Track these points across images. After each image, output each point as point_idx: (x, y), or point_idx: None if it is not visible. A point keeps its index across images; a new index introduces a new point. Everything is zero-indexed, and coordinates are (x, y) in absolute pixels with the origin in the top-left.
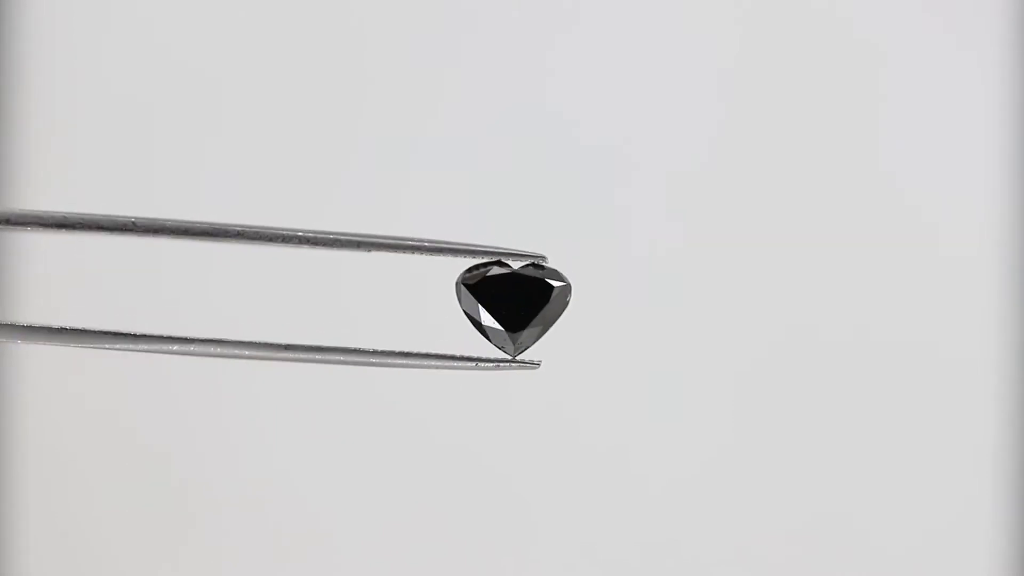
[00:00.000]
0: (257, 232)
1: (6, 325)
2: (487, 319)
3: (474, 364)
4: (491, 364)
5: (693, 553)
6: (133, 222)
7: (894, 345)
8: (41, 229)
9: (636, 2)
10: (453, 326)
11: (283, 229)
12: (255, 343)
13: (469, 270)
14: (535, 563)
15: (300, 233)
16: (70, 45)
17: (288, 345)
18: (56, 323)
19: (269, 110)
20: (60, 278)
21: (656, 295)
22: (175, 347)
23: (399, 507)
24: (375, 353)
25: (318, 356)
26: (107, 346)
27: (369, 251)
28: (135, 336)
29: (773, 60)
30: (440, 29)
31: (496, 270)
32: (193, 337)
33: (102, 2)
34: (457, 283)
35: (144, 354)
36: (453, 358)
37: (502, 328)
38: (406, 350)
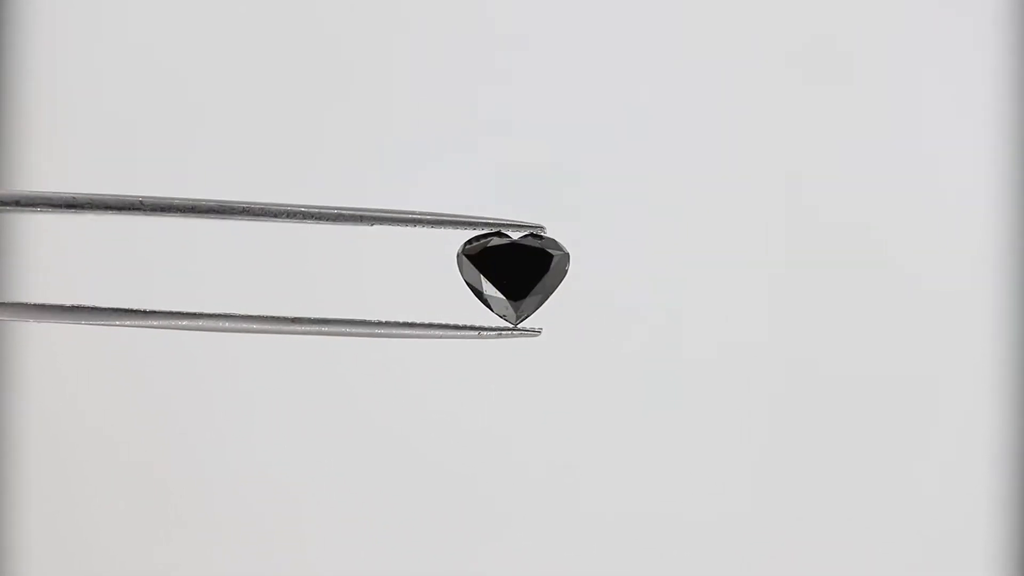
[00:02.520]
0: (262, 208)
1: (18, 304)
2: (488, 288)
3: (477, 333)
4: (493, 332)
5: (690, 557)
6: (141, 201)
7: (892, 371)
8: (50, 210)
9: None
10: (455, 298)
11: (287, 205)
12: (262, 316)
13: (469, 241)
14: (524, 562)
15: (303, 209)
16: (67, 39)
17: (295, 318)
18: (66, 302)
19: (266, 95)
20: (66, 260)
21: (657, 299)
22: (184, 322)
23: (389, 504)
24: (380, 324)
25: (324, 328)
26: (117, 323)
27: (371, 225)
28: (145, 312)
29: (774, 70)
30: (440, 20)
31: (496, 240)
32: (201, 312)
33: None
34: (458, 254)
35: (138, 351)
36: (456, 327)
37: (503, 297)
38: (410, 320)
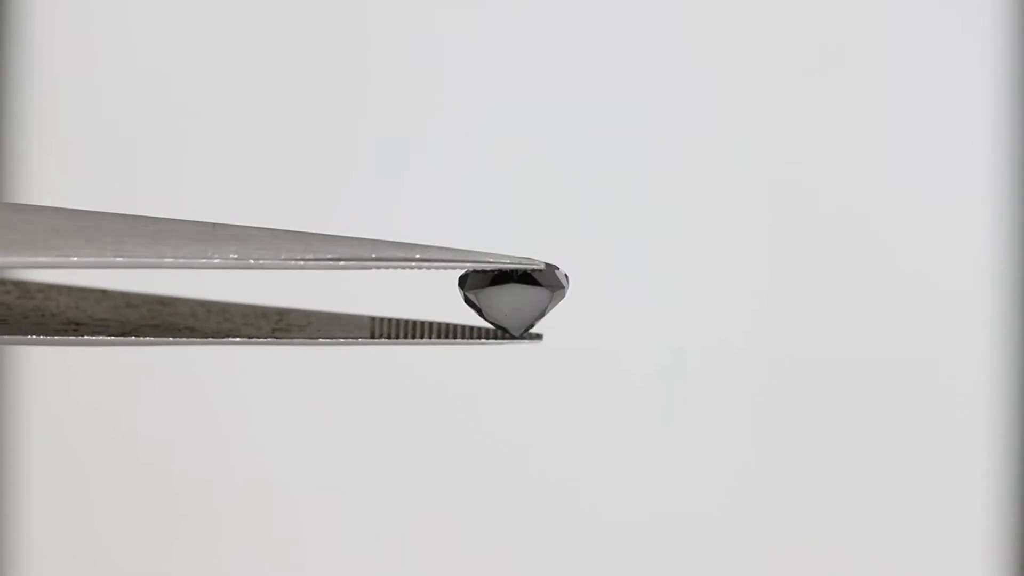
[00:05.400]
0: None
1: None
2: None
3: (479, 340)
4: (494, 340)
5: (691, 558)
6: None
7: (896, 373)
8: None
9: (635, 4)
10: (455, 307)
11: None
12: (263, 339)
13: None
14: (524, 566)
15: (302, 259)
16: (67, 40)
17: (290, 327)
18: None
19: (265, 111)
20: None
21: (658, 299)
22: (183, 339)
23: (394, 508)
24: (379, 331)
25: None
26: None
27: (372, 269)
28: (141, 329)
29: (773, 70)
30: (437, 22)
31: (494, 283)
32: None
33: (100, 6)
34: (457, 285)
35: (137, 353)
36: (456, 334)
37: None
38: (409, 327)
